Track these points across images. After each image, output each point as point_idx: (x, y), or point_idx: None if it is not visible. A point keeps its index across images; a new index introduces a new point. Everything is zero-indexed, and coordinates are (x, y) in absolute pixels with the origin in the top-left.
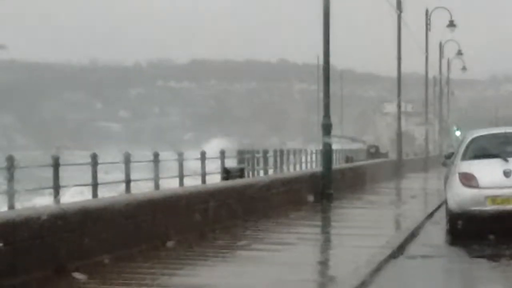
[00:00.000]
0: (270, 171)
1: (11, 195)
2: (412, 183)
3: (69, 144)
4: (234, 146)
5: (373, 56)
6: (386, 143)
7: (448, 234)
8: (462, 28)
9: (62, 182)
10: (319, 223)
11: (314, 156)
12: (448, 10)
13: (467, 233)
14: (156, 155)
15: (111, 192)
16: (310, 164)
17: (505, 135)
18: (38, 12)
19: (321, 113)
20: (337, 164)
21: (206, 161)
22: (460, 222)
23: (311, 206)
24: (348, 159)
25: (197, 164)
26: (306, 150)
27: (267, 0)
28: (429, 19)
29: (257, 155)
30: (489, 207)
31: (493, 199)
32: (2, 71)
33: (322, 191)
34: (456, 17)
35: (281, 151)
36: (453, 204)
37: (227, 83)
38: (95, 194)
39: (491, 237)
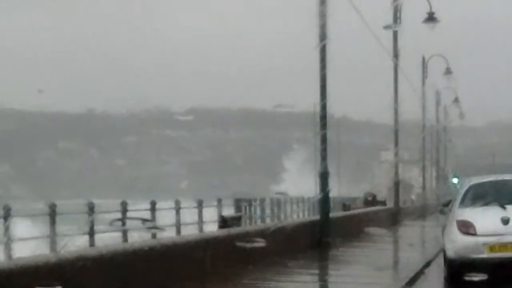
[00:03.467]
0: (267, 220)
1: (8, 244)
2: (410, 231)
3: (64, 193)
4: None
5: (370, 104)
6: (383, 191)
7: (446, 282)
8: (460, 76)
9: (58, 231)
10: (317, 271)
11: (311, 204)
12: (445, 58)
13: (465, 281)
14: (153, 204)
15: (107, 241)
16: (307, 212)
17: (503, 183)
18: (35, 61)
19: (318, 161)
20: (335, 212)
21: (203, 210)
22: (458, 269)
23: (309, 254)
24: (345, 207)
25: (194, 213)
26: (303, 198)
27: (263, 48)
28: (426, 66)
29: (254, 203)
30: (487, 255)
31: (491, 246)
32: None
33: (320, 239)
34: (453, 64)
35: (278, 199)
36: (451, 251)
37: (223, 131)
38: (92, 243)
39: (489, 285)
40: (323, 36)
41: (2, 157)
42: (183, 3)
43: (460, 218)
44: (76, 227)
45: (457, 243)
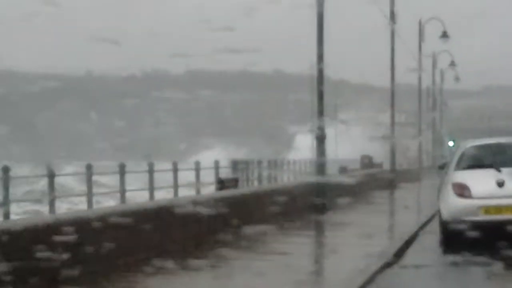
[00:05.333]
0: (265, 182)
1: (6, 205)
2: (406, 193)
3: (63, 154)
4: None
5: (367, 67)
6: (380, 153)
7: (441, 243)
8: (456, 39)
9: (57, 192)
10: (313, 232)
11: (308, 166)
12: (441, 21)
13: (460, 243)
14: (151, 165)
15: (106, 202)
16: (304, 174)
17: (498, 145)
18: (34, 23)
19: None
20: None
21: (201, 172)
22: (453, 232)
23: (305, 216)
24: (342, 169)
25: (192, 175)
26: (300, 161)
27: (261, 11)
28: (423, 30)
29: (251, 165)
30: (482, 217)
31: (486, 209)
32: None
33: (316, 201)
34: (449, 28)
35: (275, 162)
36: (446, 214)
37: (222, 94)
38: (90, 204)
39: (484, 247)
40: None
41: (0, 118)
42: None
43: (456, 180)
44: (75, 188)
45: (452, 206)
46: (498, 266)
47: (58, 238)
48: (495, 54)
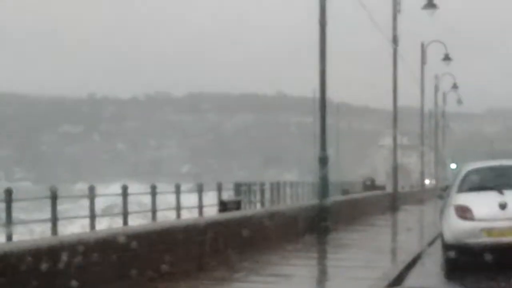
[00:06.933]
0: (267, 204)
1: (9, 227)
2: (408, 215)
3: (66, 177)
4: None
5: (369, 89)
6: (382, 175)
7: (444, 266)
8: (458, 62)
9: (60, 214)
10: (316, 255)
11: (310, 188)
12: (444, 44)
13: (462, 266)
14: (153, 188)
15: (109, 224)
16: (306, 196)
17: (501, 168)
18: (36, 45)
19: (318, 146)
20: (334, 196)
21: (203, 193)
22: (455, 254)
23: (307, 239)
24: (344, 192)
25: (194, 196)
26: (303, 183)
27: (264, 34)
28: (425, 52)
29: (253, 187)
30: (485, 240)
31: (489, 231)
32: (1, 104)
33: (319, 223)
34: (452, 51)
35: (278, 184)
36: (448, 236)
37: (224, 116)
38: (92, 226)
39: (487, 269)
40: (322, 21)
41: (4, 141)
42: None
43: (458, 203)
44: (77, 210)
45: (455, 228)
46: None
47: (59, 260)
48: (499, 77)
